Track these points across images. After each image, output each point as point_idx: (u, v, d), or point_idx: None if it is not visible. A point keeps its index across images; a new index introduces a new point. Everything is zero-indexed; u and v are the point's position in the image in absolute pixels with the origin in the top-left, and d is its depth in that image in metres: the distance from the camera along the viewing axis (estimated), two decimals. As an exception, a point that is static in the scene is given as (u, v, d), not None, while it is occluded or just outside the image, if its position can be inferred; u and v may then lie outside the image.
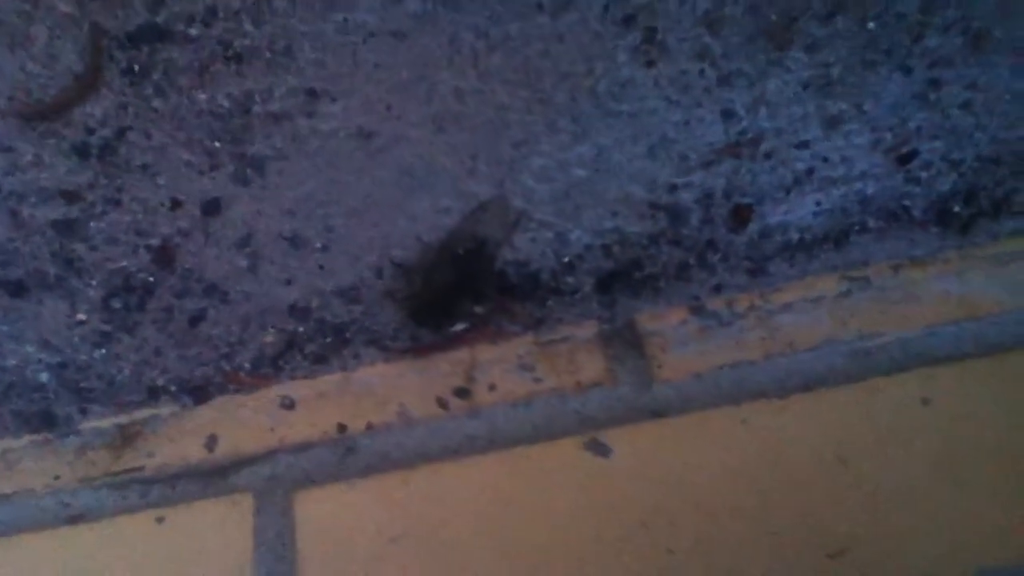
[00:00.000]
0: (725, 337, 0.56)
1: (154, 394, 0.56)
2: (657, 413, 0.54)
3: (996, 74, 0.50)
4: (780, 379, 0.54)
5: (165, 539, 0.53)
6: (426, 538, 0.51)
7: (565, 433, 0.54)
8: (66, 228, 0.47)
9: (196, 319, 0.53)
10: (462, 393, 0.55)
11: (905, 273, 0.57)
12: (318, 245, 0.51)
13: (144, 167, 0.45)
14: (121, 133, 0.44)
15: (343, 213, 0.49)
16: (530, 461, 0.53)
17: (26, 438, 0.57)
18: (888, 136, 0.52)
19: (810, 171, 0.53)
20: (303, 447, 0.55)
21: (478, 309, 0.56)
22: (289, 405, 0.56)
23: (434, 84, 0.45)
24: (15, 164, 0.43)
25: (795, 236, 0.56)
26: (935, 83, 0.50)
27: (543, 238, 0.53)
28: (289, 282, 0.52)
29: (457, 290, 0.53)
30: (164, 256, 0.49)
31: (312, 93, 0.44)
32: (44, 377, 0.54)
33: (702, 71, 0.47)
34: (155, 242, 0.49)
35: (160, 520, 0.53)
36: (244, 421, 0.56)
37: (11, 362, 0.53)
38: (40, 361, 0.53)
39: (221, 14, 0.41)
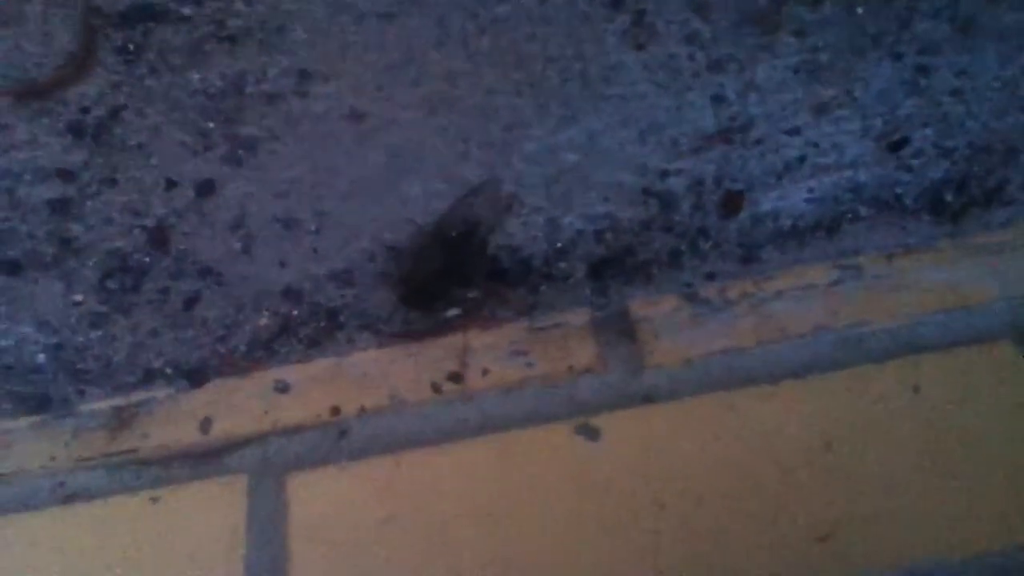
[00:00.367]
0: (717, 324, 0.56)
1: (150, 376, 0.57)
2: (648, 399, 0.54)
3: (985, 61, 0.50)
4: (770, 366, 0.54)
5: (159, 519, 0.53)
6: (417, 520, 0.51)
7: (556, 418, 0.54)
8: (62, 207, 0.47)
9: (191, 301, 0.54)
10: (455, 378, 0.56)
11: (897, 262, 0.57)
12: (311, 228, 0.51)
13: (138, 147, 0.46)
14: (115, 112, 0.44)
15: (335, 195, 0.50)
16: (521, 445, 0.53)
17: (23, 419, 0.57)
18: (878, 123, 0.52)
19: (801, 158, 0.53)
20: (296, 430, 0.55)
21: (471, 294, 0.57)
22: (283, 388, 0.57)
23: (424, 66, 0.45)
24: (10, 143, 0.44)
25: (787, 223, 0.57)
26: (924, 70, 0.50)
27: (535, 223, 0.54)
28: (283, 265, 0.53)
29: (449, 274, 0.53)
30: (159, 237, 0.50)
31: (304, 74, 0.44)
32: (41, 358, 0.54)
33: (691, 55, 0.47)
34: (150, 223, 0.49)
35: (154, 500, 0.54)
36: (238, 404, 0.57)
37: (8, 343, 0.53)
38: (37, 342, 0.54)
39: (213, -7, 0.41)
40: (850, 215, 0.57)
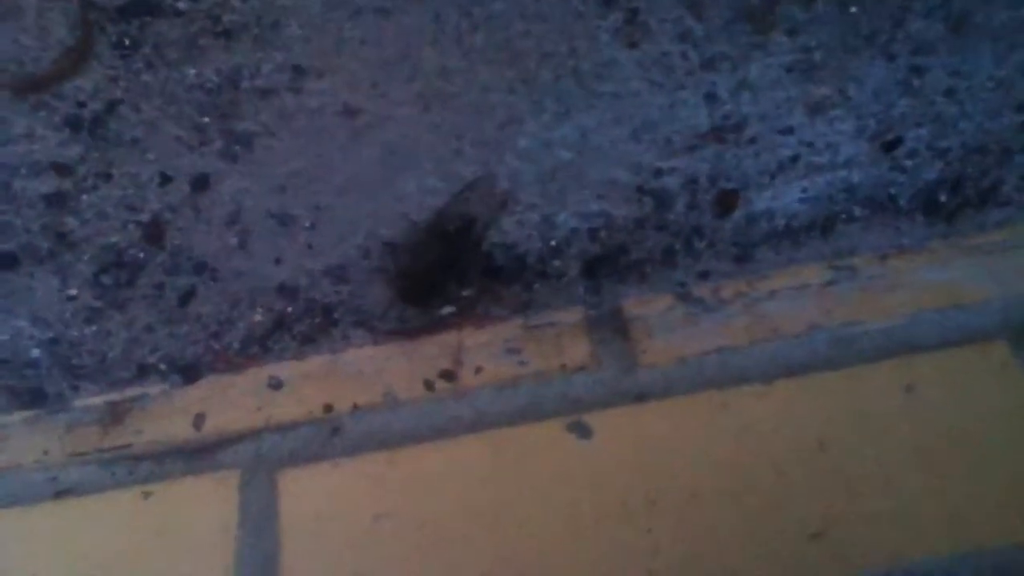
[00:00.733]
0: (710, 323, 0.56)
1: (144, 372, 0.57)
2: (640, 397, 0.54)
3: (978, 61, 0.50)
4: (764, 365, 0.54)
5: (151, 514, 0.53)
6: (409, 517, 0.51)
7: (549, 415, 0.54)
8: (57, 201, 0.48)
9: (186, 297, 0.54)
10: (448, 375, 0.56)
11: (891, 262, 0.57)
12: (306, 224, 0.51)
13: (134, 141, 0.46)
14: (112, 107, 0.44)
15: (330, 191, 0.50)
16: (513, 442, 0.53)
17: (17, 414, 0.57)
18: (872, 123, 0.53)
19: (795, 157, 0.54)
20: (289, 426, 0.55)
21: (466, 292, 0.57)
22: (277, 385, 0.57)
23: (419, 62, 0.45)
24: (7, 136, 0.44)
25: (781, 223, 0.57)
26: (918, 69, 0.50)
27: (529, 220, 0.54)
28: (278, 261, 0.53)
29: (445, 269, 0.53)
30: (154, 232, 0.50)
31: (299, 69, 0.45)
32: (36, 353, 0.55)
33: (684, 53, 0.47)
34: (145, 218, 0.49)
35: (147, 495, 0.54)
36: (232, 400, 0.57)
37: (3, 337, 0.53)
38: (32, 337, 0.54)
39: (209, -12, 0.41)
40: (844, 215, 0.57)
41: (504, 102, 0.48)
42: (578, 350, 0.56)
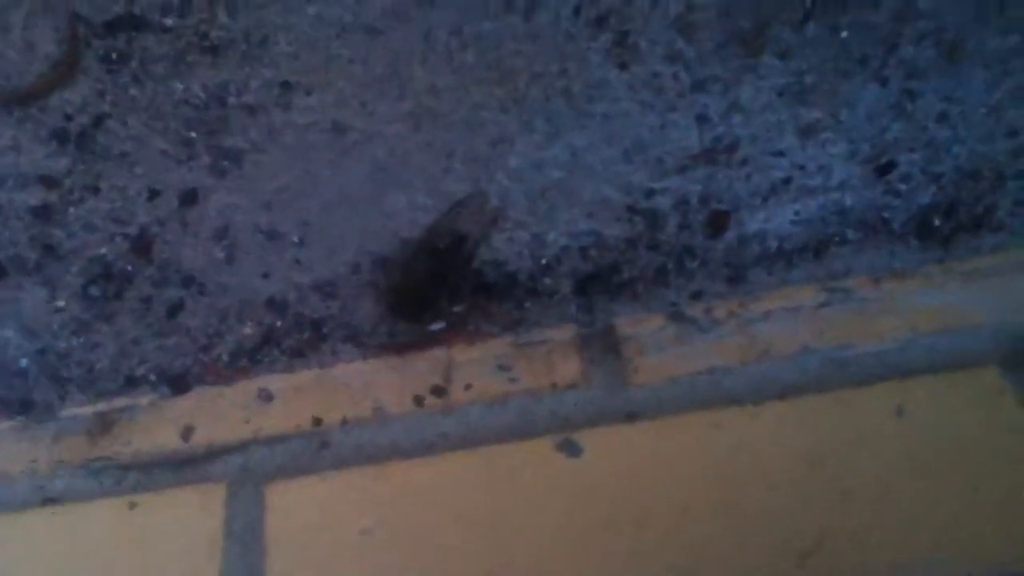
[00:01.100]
0: (702, 343, 0.56)
1: (133, 383, 0.57)
2: (630, 416, 0.54)
3: (971, 86, 0.50)
4: (755, 386, 0.54)
5: (137, 524, 0.53)
6: (395, 532, 0.51)
7: (538, 433, 0.54)
8: (44, 214, 0.48)
9: (174, 309, 0.54)
10: (438, 391, 0.56)
11: (885, 285, 0.57)
12: (294, 239, 0.51)
13: (122, 155, 0.46)
14: (99, 120, 0.44)
15: (318, 208, 0.50)
16: (502, 459, 0.53)
17: (5, 423, 0.57)
18: (865, 147, 0.52)
19: (787, 180, 0.53)
20: (277, 439, 0.55)
21: (456, 308, 0.57)
22: (266, 398, 0.57)
23: (408, 80, 0.45)
24: (-5, 148, 0.44)
25: (773, 245, 0.56)
26: (910, 94, 0.50)
27: (520, 238, 0.54)
28: (266, 275, 0.53)
29: (435, 285, 0.53)
30: (142, 245, 0.50)
31: (287, 86, 0.45)
32: (24, 363, 0.55)
33: (675, 75, 0.47)
34: (133, 231, 0.49)
35: (133, 506, 0.54)
36: (221, 412, 0.57)
37: (-9, 346, 0.53)
38: (20, 347, 0.54)
39: (197, 5, 0.41)
40: (837, 238, 0.57)
41: (494, 121, 0.48)
42: (569, 368, 0.56)
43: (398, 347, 0.58)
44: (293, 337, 0.56)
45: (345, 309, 0.55)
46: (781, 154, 0.52)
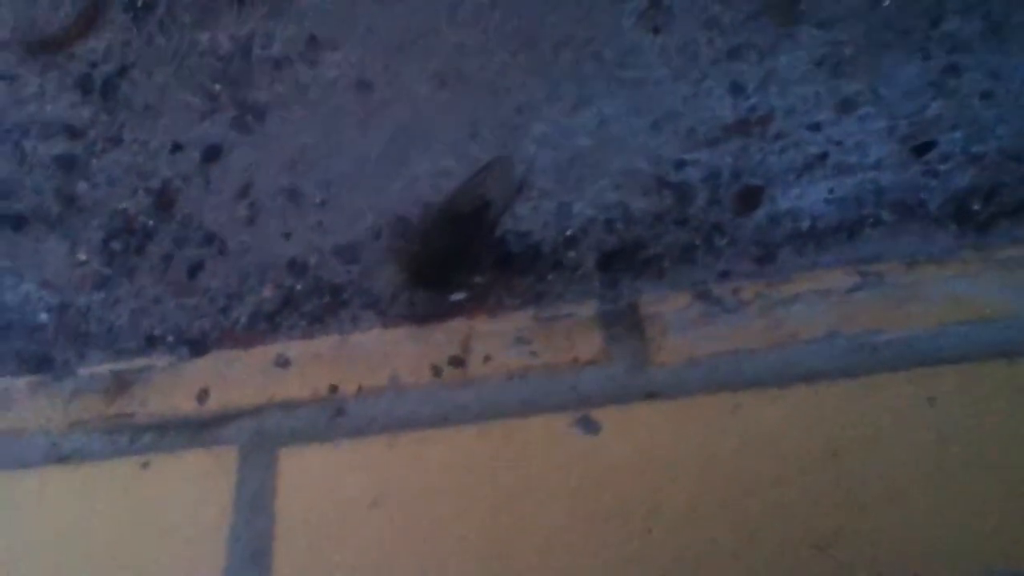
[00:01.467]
0: (728, 324, 0.55)
1: (151, 343, 0.56)
2: (651, 395, 0.53)
3: (1018, 63, 0.48)
4: (780, 369, 0.53)
5: (148, 485, 0.53)
6: (407, 502, 0.51)
7: (556, 408, 0.53)
8: (68, 164, 0.47)
9: (195, 268, 0.53)
10: (456, 362, 0.55)
11: (919, 271, 0.55)
12: (316, 200, 0.51)
13: (146, 107, 0.45)
14: (123, 70, 0.44)
15: (342, 168, 0.49)
16: (518, 433, 0.52)
17: (23, 379, 0.57)
18: (904, 124, 0.51)
19: (823, 156, 0.52)
20: (293, 405, 0.55)
21: (478, 279, 0.56)
22: (283, 363, 0.56)
23: (435, 39, 0.44)
24: (19, 95, 0.44)
25: (806, 224, 0.55)
26: (954, 69, 0.48)
27: (545, 208, 0.53)
28: (288, 236, 0.52)
29: (457, 253, 0.52)
30: (164, 200, 0.49)
31: (313, 40, 0.44)
32: (44, 317, 0.54)
33: (710, 41, 0.46)
34: (155, 185, 0.49)
35: (145, 466, 0.53)
36: (237, 376, 0.56)
37: (12, 299, 0.53)
38: (40, 300, 0.54)
39: (223, -48, 0.41)
40: (871, 219, 0.55)
41: (522, 85, 0.47)
42: (590, 344, 0.55)
43: (418, 317, 0.57)
44: (312, 302, 0.55)
45: (365, 275, 0.55)
46: (817, 128, 0.51)
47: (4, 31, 0.41)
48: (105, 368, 0.57)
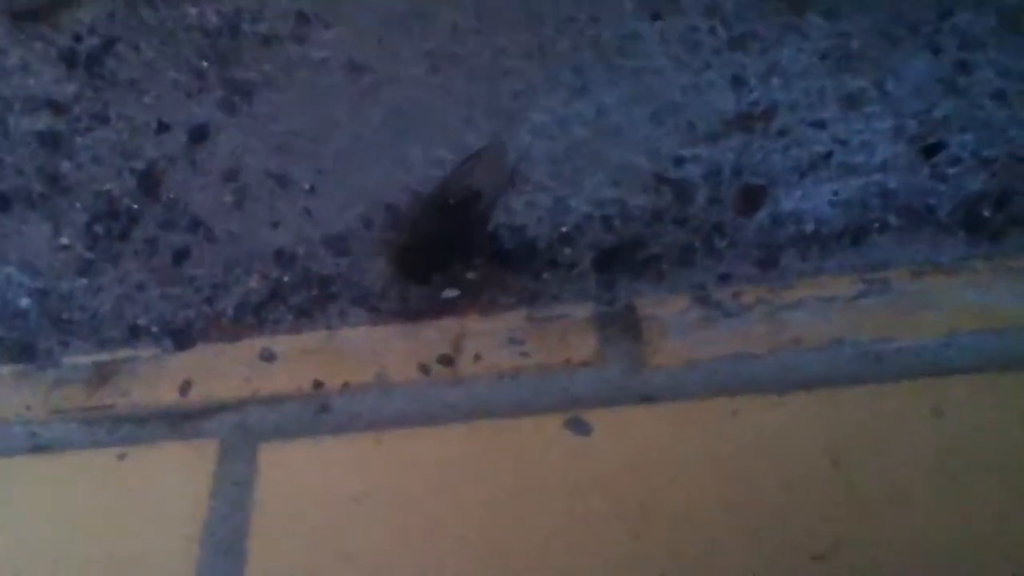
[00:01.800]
0: (728, 329, 0.53)
1: (135, 333, 0.55)
2: (646, 398, 0.51)
3: (1032, 61, 0.47)
4: (781, 375, 0.51)
5: (125, 476, 0.52)
6: (389, 500, 0.49)
7: (547, 409, 0.51)
8: (52, 141, 0.46)
9: (180, 256, 0.52)
10: (446, 361, 0.53)
11: (928, 280, 0.54)
12: (305, 187, 0.49)
13: (131, 83, 0.44)
14: (109, 44, 0.43)
15: (332, 154, 0.48)
16: (507, 433, 0.51)
17: (5, 367, 0.56)
18: (912, 123, 0.49)
19: (827, 155, 0.50)
20: (277, 400, 0.53)
21: (470, 275, 0.54)
22: (269, 358, 0.55)
23: (430, 19, 0.43)
24: (2, 67, 0.43)
25: (809, 227, 0.53)
26: (964, 66, 0.47)
27: (540, 203, 0.51)
28: (275, 225, 0.51)
29: (446, 244, 0.51)
30: (149, 182, 0.48)
31: (303, 17, 0.43)
32: (25, 302, 0.53)
33: (712, 29, 0.44)
34: (140, 166, 0.48)
35: (122, 457, 0.52)
36: (221, 369, 0.55)
37: (-7, 282, 0.52)
38: (22, 284, 0.53)
39: (212, -78, 0.40)
40: (878, 224, 0.53)
41: (518, 69, 0.45)
42: (584, 346, 0.53)
43: (409, 314, 0.55)
44: (300, 294, 0.54)
45: (355, 268, 0.53)
46: (822, 126, 0.49)
47: (-13, -1, 0.40)
48: (88, 359, 0.56)
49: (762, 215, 0.53)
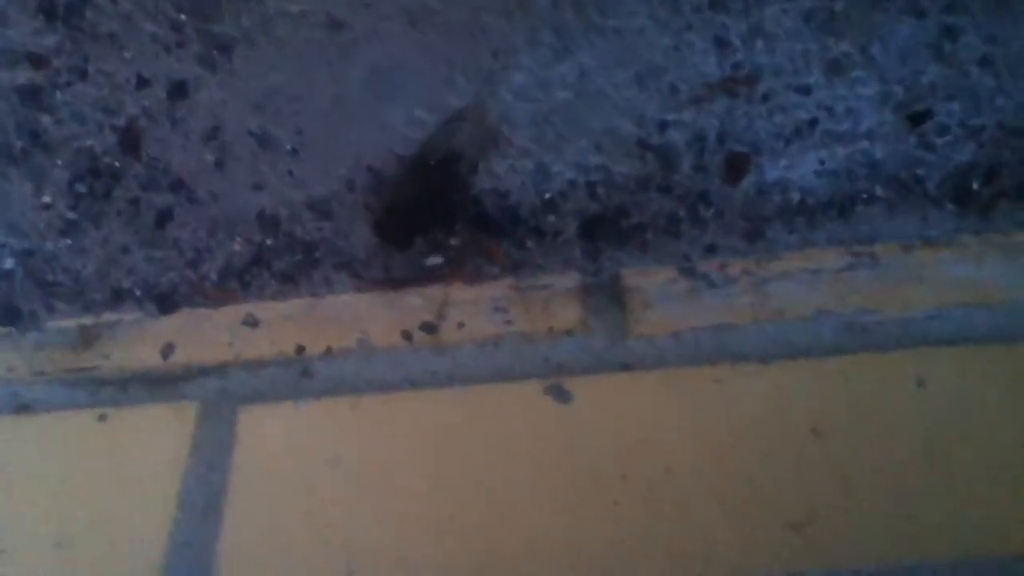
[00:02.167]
0: (712, 300, 0.53)
1: (119, 296, 0.55)
2: (627, 367, 0.51)
3: (1019, 27, 0.46)
4: (764, 345, 0.51)
5: (103, 438, 0.52)
6: (365, 463, 0.49)
7: (528, 377, 0.51)
8: (32, 96, 0.46)
9: (163, 217, 0.52)
10: (429, 328, 0.53)
11: (916, 254, 0.53)
12: (287, 147, 0.49)
13: (111, 37, 0.44)
14: (87, -5, 0.43)
15: (313, 113, 0.48)
16: (486, 400, 0.51)
17: (-10, 331, 0.56)
18: (898, 90, 0.49)
19: (812, 122, 0.50)
20: (258, 365, 0.53)
21: (453, 241, 0.54)
22: (252, 323, 0.55)
23: (408, -27, 0.43)
24: (-19, 19, 0.43)
25: (795, 197, 0.53)
26: (950, 31, 0.46)
27: (523, 168, 0.51)
28: (258, 187, 0.51)
29: (427, 206, 0.51)
30: (130, 139, 0.48)
31: (280, -30, 0.43)
32: (9, 263, 0.53)
33: (692, -13, 0.44)
34: (121, 122, 0.48)
35: (103, 418, 0.52)
36: (204, 334, 0.55)
37: (-23, 243, 0.52)
38: (5, 245, 0.53)
39: None
40: (865, 195, 0.53)
41: (498, 27, 0.45)
42: (568, 315, 0.53)
43: (394, 282, 0.55)
44: (284, 259, 0.54)
45: (339, 232, 0.53)
46: (807, 91, 0.49)
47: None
48: (72, 322, 0.56)
49: (747, 184, 0.52)
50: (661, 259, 0.55)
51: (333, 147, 0.50)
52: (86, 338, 0.55)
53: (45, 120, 0.47)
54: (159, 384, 0.53)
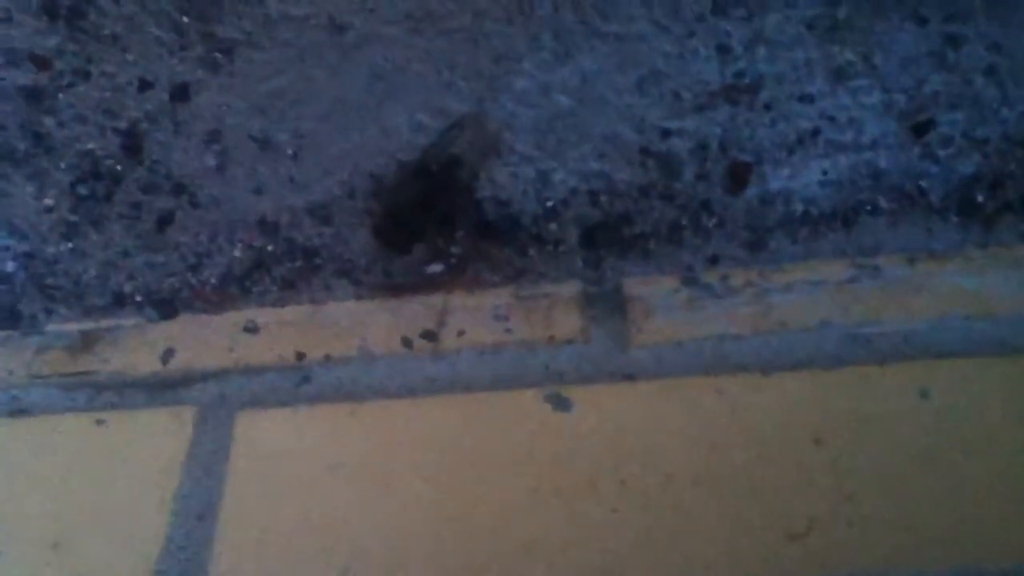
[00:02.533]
0: (715, 310, 0.53)
1: (120, 301, 0.55)
2: (628, 376, 0.50)
3: (1023, 36, 0.46)
4: (766, 356, 0.50)
5: (101, 442, 0.52)
6: (363, 470, 0.49)
7: (528, 385, 0.51)
8: (35, 97, 0.46)
9: (164, 221, 0.52)
10: (429, 335, 0.53)
11: (920, 266, 0.53)
12: (288, 151, 0.49)
13: (113, 38, 0.45)
14: (90, -4, 0.43)
15: (314, 116, 0.48)
16: (486, 407, 0.50)
17: (-8, 333, 0.56)
18: (901, 99, 0.49)
19: (815, 132, 0.50)
20: (257, 370, 0.53)
21: (454, 249, 0.54)
22: (252, 329, 0.55)
23: (409, -23, 0.43)
24: (-15, 18, 0.43)
25: (799, 208, 0.53)
26: (953, 40, 0.46)
27: (525, 175, 0.51)
28: (259, 191, 0.51)
29: (426, 212, 0.50)
30: (132, 142, 0.48)
31: (283, -28, 0.43)
32: (11, 266, 0.53)
33: (695, -7, 0.44)
34: (123, 125, 0.48)
35: (100, 423, 0.52)
36: (204, 339, 0.55)
37: (-22, 245, 0.52)
38: (7, 248, 0.53)
39: None
40: (869, 206, 0.53)
41: (499, 32, 0.45)
42: (569, 323, 0.53)
43: (395, 288, 0.55)
44: (285, 265, 0.54)
45: (339, 238, 0.53)
46: (809, 100, 0.48)
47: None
48: (73, 326, 0.56)
49: (750, 193, 0.52)
50: (663, 268, 0.54)
51: (334, 151, 0.50)
52: (86, 342, 0.55)
53: (48, 122, 0.47)
54: (158, 389, 0.53)
